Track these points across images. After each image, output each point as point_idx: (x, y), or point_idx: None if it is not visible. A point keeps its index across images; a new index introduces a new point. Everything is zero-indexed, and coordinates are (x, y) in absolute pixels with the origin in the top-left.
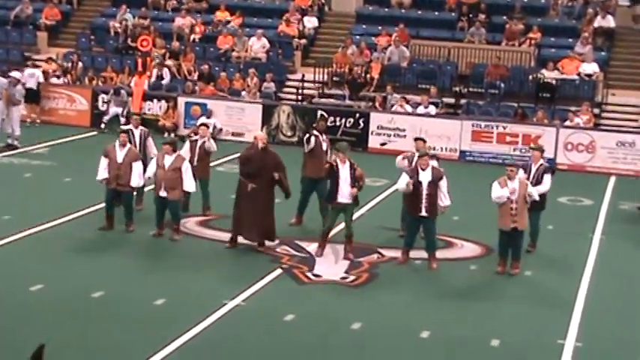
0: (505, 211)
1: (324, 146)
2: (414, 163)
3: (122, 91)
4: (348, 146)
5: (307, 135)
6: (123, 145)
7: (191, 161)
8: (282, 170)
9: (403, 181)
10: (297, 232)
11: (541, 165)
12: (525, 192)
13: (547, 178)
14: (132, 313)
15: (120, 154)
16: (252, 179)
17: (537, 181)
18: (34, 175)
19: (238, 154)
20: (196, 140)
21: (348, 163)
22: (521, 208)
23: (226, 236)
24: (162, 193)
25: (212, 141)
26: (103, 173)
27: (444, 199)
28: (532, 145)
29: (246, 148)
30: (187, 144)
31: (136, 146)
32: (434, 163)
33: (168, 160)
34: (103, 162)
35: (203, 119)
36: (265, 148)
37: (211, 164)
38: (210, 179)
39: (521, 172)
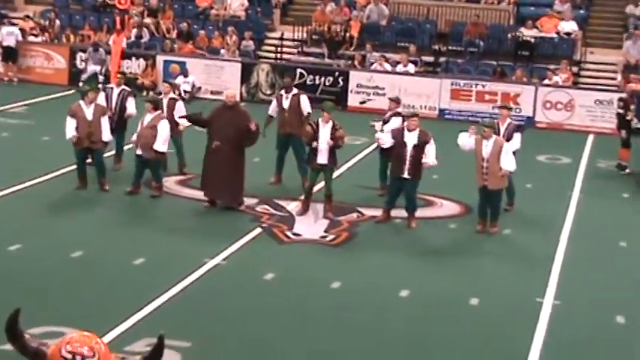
0: (478, 169)
1: (285, 104)
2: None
3: (100, 49)
4: (334, 106)
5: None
6: (90, 102)
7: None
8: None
9: (386, 138)
10: (276, 191)
11: (510, 124)
12: (500, 151)
13: (517, 137)
14: (112, 272)
15: (88, 112)
16: (218, 137)
17: (507, 140)
18: (12, 134)
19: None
20: (162, 99)
21: (330, 124)
22: (493, 168)
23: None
24: (139, 152)
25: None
26: (72, 131)
27: (428, 160)
28: (499, 104)
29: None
30: (148, 105)
31: (112, 105)
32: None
33: (148, 117)
34: (70, 122)
35: (181, 78)
36: (234, 106)
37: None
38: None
39: None
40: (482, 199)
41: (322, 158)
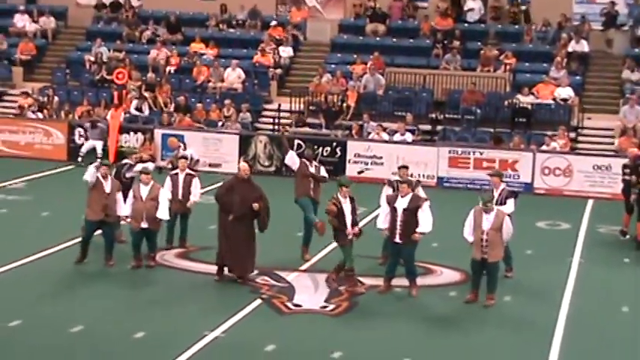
0: (476, 241)
1: (312, 169)
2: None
3: (99, 124)
4: (350, 180)
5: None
6: (104, 176)
7: (174, 195)
8: (264, 203)
9: (380, 219)
10: (276, 263)
11: (503, 189)
12: (501, 224)
13: (510, 202)
14: (112, 347)
15: (107, 185)
16: (233, 210)
17: (500, 205)
18: (11, 211)
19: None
20: (177, 174)
21: (349, 198)
22: (493, 240)
23: (205, 267)
24: (144, 225)
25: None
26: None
27: (420, 227)
28: (491, 172)
29: (228, 179)
30: (169, 179)
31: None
32: (420, 190)
33: (145, 190)
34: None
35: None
36: (248, 179)
37: None
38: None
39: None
40: (477, 270)
41: (350, 233)
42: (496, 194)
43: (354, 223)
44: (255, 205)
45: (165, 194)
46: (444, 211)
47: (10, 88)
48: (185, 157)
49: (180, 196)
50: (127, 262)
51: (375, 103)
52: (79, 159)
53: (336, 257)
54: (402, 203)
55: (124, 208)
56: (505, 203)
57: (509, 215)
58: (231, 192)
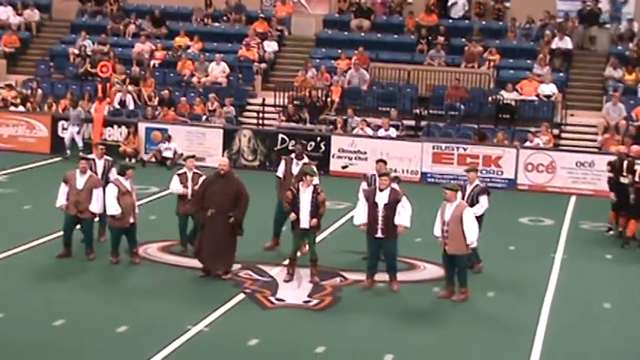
0: (441, 232)
1: (295, 170)
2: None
3: (79, 107)
4: (315, 170)
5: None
6: (83, 172)
7: (183, 195)
8: (243, 200)
9: (358, 214)
10: (259, 257)
11: (476, 186)
12: (461, 215)
13: (483, 200)
14: (94, 340)
15: (80, 181)
16: (211, 206)
17: (472, 203)
18: None
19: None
20: (185, 173)
21: (311, 188)
22: (453, 232)
23: (188, 262)
24: (132, 220)
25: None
26: (61, 199)
27: (401, 220)
28: (467, 167)
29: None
30: (176, 178)
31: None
32: (395, 185)
33: (128, 184)
34: (63, 188)
35: (166, 144)
36: (226, 174)
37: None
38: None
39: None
40: (446, 263)
41: (304, 223)
42: (468, 190)
43: (313, 216)
44: (231, 218)
45: (174, 191)
46: (428, 206)
47: None
48: (193, 157)
49: (189, 196)
50: (109, 257)
51: (360, 99)
52: (68, 152)
53: (320, 252)
54: (382, 198)
55: (95, 205)
56: (477, 201)
57: (482, 215)
58: (211, 187)
